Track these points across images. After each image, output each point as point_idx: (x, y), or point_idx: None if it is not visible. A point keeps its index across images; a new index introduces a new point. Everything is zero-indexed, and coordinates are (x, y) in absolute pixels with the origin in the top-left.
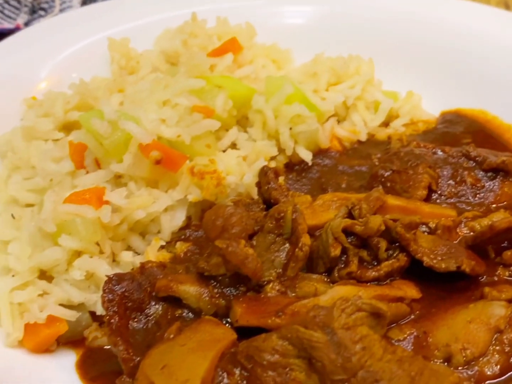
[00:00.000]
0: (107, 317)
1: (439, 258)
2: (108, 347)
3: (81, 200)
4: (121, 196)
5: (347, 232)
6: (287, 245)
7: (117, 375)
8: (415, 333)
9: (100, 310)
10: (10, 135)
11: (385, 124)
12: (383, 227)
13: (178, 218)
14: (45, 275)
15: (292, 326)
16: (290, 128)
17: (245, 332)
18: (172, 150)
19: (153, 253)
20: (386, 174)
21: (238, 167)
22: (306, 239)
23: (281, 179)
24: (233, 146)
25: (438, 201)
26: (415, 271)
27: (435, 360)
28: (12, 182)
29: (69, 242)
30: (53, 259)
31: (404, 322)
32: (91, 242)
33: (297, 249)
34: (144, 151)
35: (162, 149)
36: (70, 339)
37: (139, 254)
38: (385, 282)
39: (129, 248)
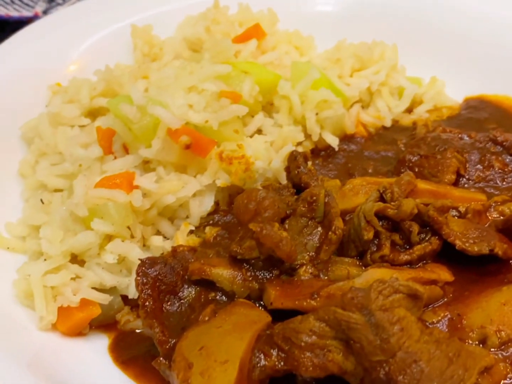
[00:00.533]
0: (142, 300)
1: (472, 241)
2: (140, 330)
3: (112, 184)
4: (151, 180)
5: (378, 216)
6: (319, 228)
7: (150, 358)
8: (449, 316)
9: (132, 294)
10: (36, 121)
11: (409, 110)
12: (415, 211)
13: (207, 203)
14: (76, 259)
15: (330, 307)
16: (316, 114)
17: (278, 316)
18: (201, 135)
19: (182, 237)
20: (414, 159)
21: (266, 152)
22: (339, 223)
23: (308, 164)
24: (259, 132)
25: (466, 185)
26: (447, 254)
27: (470, 342)
28: (40, 168)
29: (102, 226)
30: (86, 243)
31: (438, 304)
32: (123, 226)
33: (330, 232)
34: (173, 136)
35: (191, 134)
36: (103, 323)
37: (168, 239)
38: (417, 266)
39: (158, 233)
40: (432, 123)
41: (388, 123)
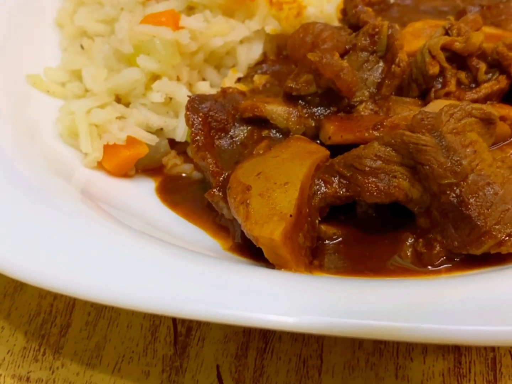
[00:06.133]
0: (192, 135)
1: None
2: (186, 175)
3: (158, 22)
4: (198, 20)
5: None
6: (381, 63)
7: (198, 202)
8: None
9: (179, 136)
10: None
11: None
12: (484, 44)
13: (255, 51)
14: (120, 102)
15: (397, 131)
16: None
17: (336, 154)
18: None
19: (230, 84)
20: (475, 10)
21: None
22: (403, 55)
23: None
24: None
25: None
26: None
27: None
28: (79, 14)
29: (148, 63)
30: (131, 80)
31: (506, 143)
32: (170, 65)
33: (393, 66)
34: None
35: None
36: (148, 167)
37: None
38: None
39: (204, 80)
40: None
41: None
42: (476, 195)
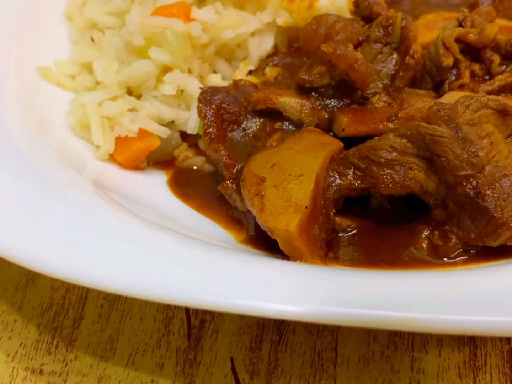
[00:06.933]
0: (205, 127)
1: None
2: (197, 168)
3: (169, 14)
4: (209, 12)
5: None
6: (395, 55)
7: (210, 194)
8: None
9: (191, 129)
10: None
11: None
12: (498, 36)
13: (266, 43)
14: (131, 95)
15: (413, 122)
16: None
17: (349, 147)
18: None
19: (241, 76)
20: (487, 2)
21: None
22: (417, 47)
23: None
24: None
25: None
26: None
27: None
28: (89, 6)
29: (159, 55)
30: (143, 73)
31: None
32: (181, 57)
33: (407, 57)
34: None
35: None
36: (160, 159)
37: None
38: None
39: (216, 73)
40: None
41: None
42: (493, 186)
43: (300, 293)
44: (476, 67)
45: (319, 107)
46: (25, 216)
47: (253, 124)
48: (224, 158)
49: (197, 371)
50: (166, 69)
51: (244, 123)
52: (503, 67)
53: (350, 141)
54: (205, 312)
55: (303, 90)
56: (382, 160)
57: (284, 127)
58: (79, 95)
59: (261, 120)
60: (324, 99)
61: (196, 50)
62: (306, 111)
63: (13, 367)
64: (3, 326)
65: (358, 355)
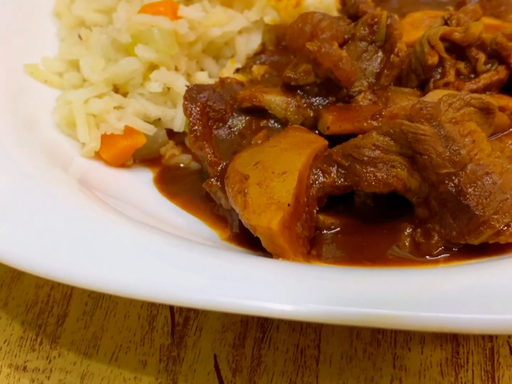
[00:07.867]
0: (190, 124)
1: None
2: (184, 165)
3: (156, 11)
4: (196, 10)
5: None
6: (380, 53)
7: (196, 190)
8: None
9: (177, 127)
10: None
11: None
12: (484, 35)
13: (254, 42)
14: (118, 93)
15: (396, 120)
16: None
17: (334, 145)
18: None
19: (229, 74)
20: (474, 1)
21: None
22: (402, 45)
23: None
24: None
25: None
26: None
27: None
28: (77, 4)
29: (146, 52)
30: (129, 70)
31: (505, 134)
32: (168, 55)
33: (392, 55)
34: None
35: None
36: (146, 157)
37: (212, 78)
38: None
39: (203, 71)
40: None
41: None
42: (475, 184)
43: (282, 291)
44: (462, 65)
45: (305, 105)
46: (9, 214)
47: (239, 122)
48: (208, 155)
49: (180, 368)
50: (153, 67)
51: (230, 121)
52: (489, 66)
53: (335, 139)
54: (189, 309)
55: (289, 88)
56: (365, 158)
57: (270, 125)
58: (66, 92)
59: (247, 118)
60: (310, 97)
61: (183, 48)
62: (291, 109)
63: None
64: None
65: (340, 353)
